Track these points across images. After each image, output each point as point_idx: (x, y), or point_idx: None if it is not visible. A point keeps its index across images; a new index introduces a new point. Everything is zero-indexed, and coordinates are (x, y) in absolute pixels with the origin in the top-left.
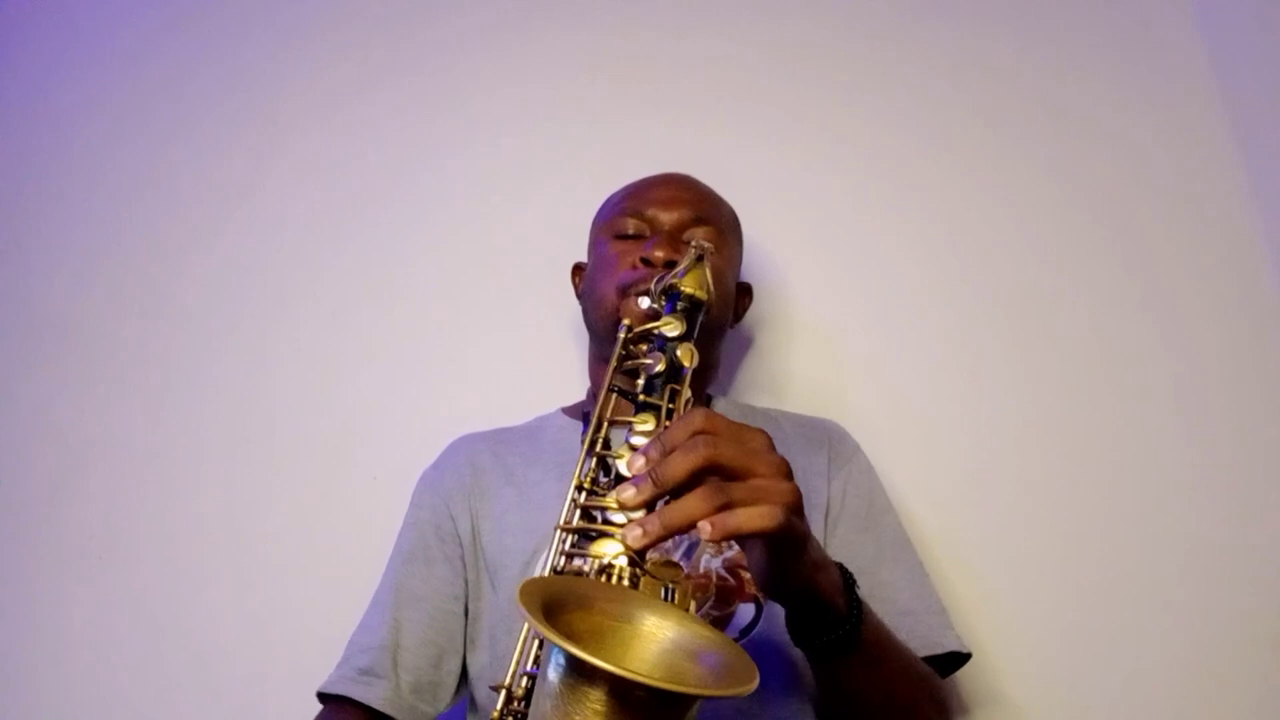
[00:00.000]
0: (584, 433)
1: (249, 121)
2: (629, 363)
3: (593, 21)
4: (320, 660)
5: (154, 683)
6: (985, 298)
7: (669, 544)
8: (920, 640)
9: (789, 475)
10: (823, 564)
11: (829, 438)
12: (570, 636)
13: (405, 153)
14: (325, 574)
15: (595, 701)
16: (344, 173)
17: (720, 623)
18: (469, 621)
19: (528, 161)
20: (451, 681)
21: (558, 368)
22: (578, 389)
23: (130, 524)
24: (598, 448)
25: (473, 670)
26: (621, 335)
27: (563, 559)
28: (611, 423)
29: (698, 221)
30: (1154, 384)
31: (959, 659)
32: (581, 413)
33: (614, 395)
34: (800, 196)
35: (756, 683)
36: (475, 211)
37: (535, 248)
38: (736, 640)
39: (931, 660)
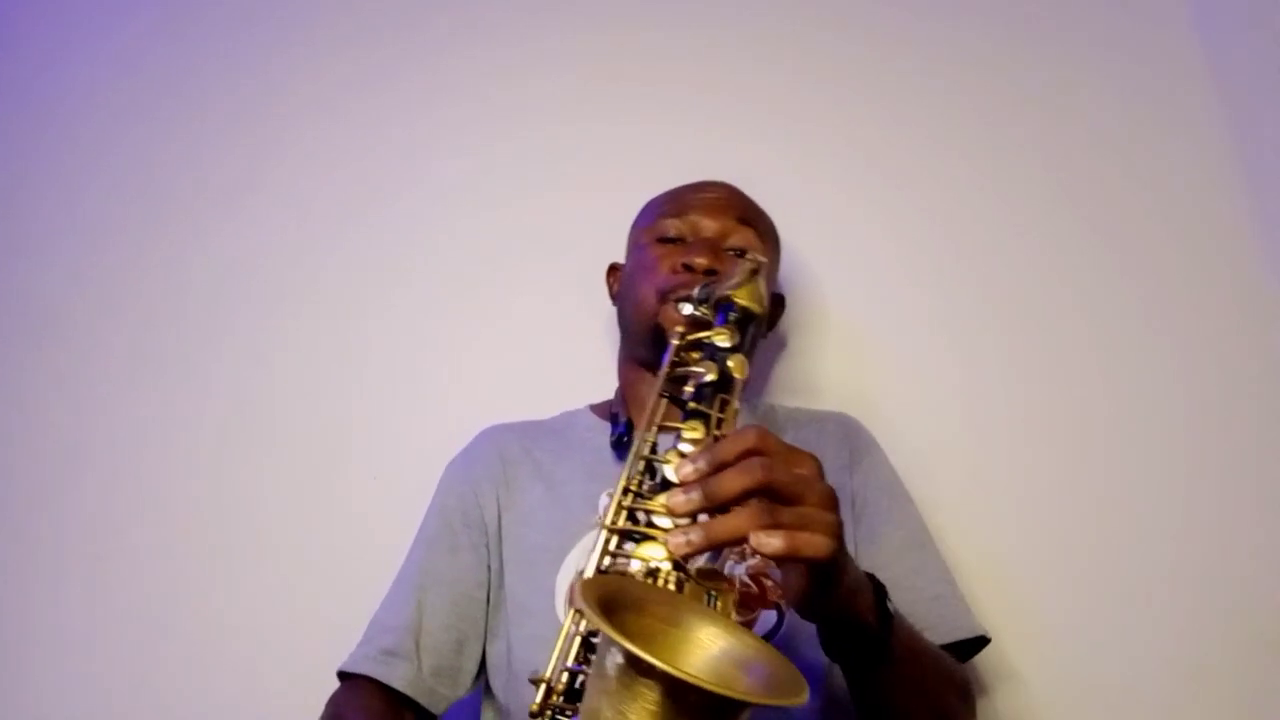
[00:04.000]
0: (613, 433)
1: (247, 117)
2: (678, 370)
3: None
4: (320, 658)
5: (153, 681)
6: (983, 295)
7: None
8: (951, 626)
9: (835, 507)
10: (859, 587)
11: (847, 432)
12: (625, 636)
13: (419, 145)
14: (325, 573)
15: (650, 702)
16: (354, 165)
17: None
18: (489, 610)
19: (529, 161)
20: (472, 667)
21: (575, 367)
22: (600, 388)
23: (128, 522)
24: (646, 451)
25: (491, 660)
26: (674, 343)
27: (608, 559)
28: (659, 428)
29: (741, 223)
30: (1156, 379)
31: (979, 643)
32: (610, 412)
33: (664, 401)
34: (802, 197)
35: (806, 696)
36: (487, 206)
37: (559, 245)
38: None
39: (956, 645)
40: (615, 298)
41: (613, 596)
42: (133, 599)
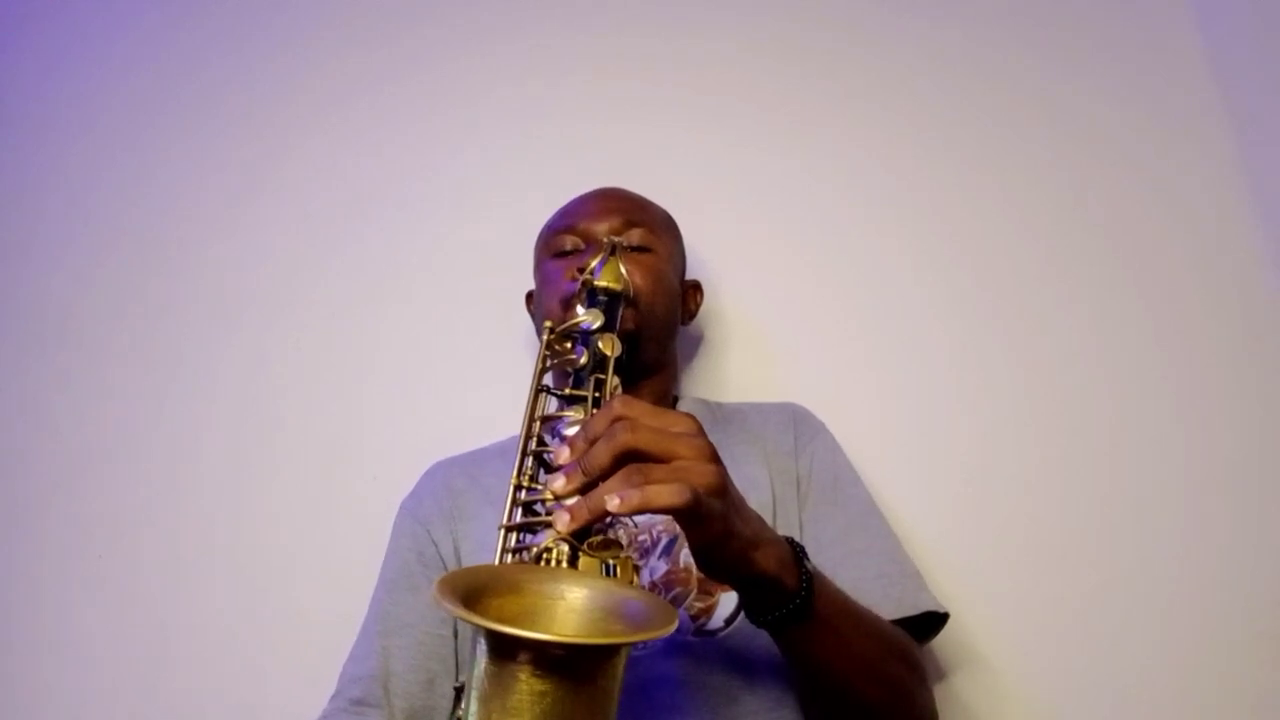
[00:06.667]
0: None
1: (252, 121)
2: (554, 362)
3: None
4: (321, 660)
5: (155, 682)
6: (977, 299)
7: (649, 543)
8: (895, 602)
9: (712, 458)
10: (761, 542)
11: (794, 418)
12: (502, 620)
13: (408, 156)
14: (326, 573)
15: (521, 672)
16: (346, 175)
17: (705, 613)
18: (459, 643)
19: (525, 171)
20: (446, 705)
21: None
22: None
23: (130, 524)
24: (533, 445)
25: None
26: (545, 337)
27: (509, 556)
28: (546, 419)
29: (629, 226)
30: (1151, 382)
31: (938, 621)
32: None
33: (543, 395)
34: (781, 196)
35: (674, 625)
36: (477, 217)
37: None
38: (723, 628)
39: (910, 622)
40: (535, 320)
41: (484, 584)
42: (137, 601)
